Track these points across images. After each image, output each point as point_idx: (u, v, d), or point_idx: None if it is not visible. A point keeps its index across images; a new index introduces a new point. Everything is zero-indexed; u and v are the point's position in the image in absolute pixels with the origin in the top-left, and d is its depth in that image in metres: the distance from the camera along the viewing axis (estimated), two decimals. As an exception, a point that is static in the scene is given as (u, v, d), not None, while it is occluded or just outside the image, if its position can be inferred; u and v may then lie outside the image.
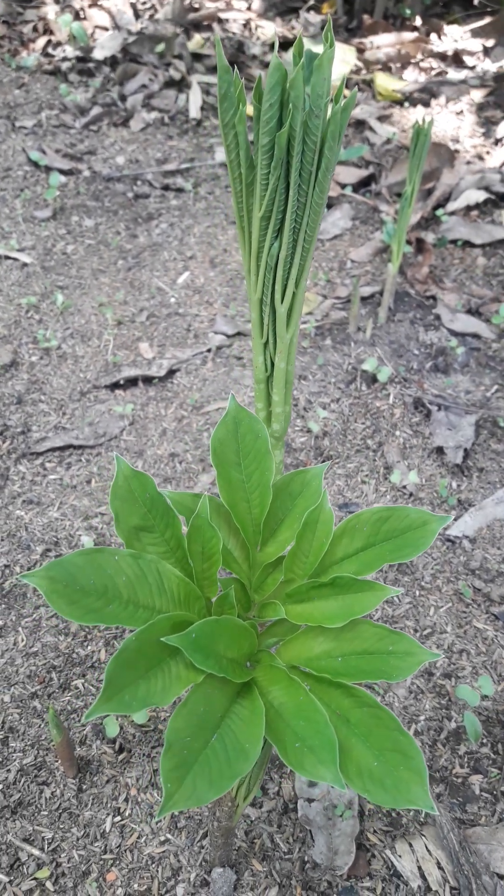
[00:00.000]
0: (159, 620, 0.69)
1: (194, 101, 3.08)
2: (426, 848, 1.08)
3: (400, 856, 1.07)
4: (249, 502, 0.80)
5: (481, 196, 2.59)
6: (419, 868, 1.06)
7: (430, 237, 2.42)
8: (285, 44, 3.46)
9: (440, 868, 1.06)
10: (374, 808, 1.12)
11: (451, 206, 2.56)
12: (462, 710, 1.24)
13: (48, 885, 1.01)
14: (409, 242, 2.38)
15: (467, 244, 2.44)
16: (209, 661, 0.69)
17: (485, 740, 1.20)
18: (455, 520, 1.57)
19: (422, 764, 0.67)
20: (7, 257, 2.25)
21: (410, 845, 1.09)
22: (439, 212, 2.51)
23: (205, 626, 0.69)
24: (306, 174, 0.71)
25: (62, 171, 2.63)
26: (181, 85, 3.21)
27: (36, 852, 1.04)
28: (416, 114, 3.10)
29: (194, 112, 3.04)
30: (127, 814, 1.09)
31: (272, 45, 3.45)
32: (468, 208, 2.60)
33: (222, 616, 0.73)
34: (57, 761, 1.13)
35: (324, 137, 0.70)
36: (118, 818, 1.09)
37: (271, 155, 0.71)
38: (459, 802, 1.13)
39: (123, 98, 3.09)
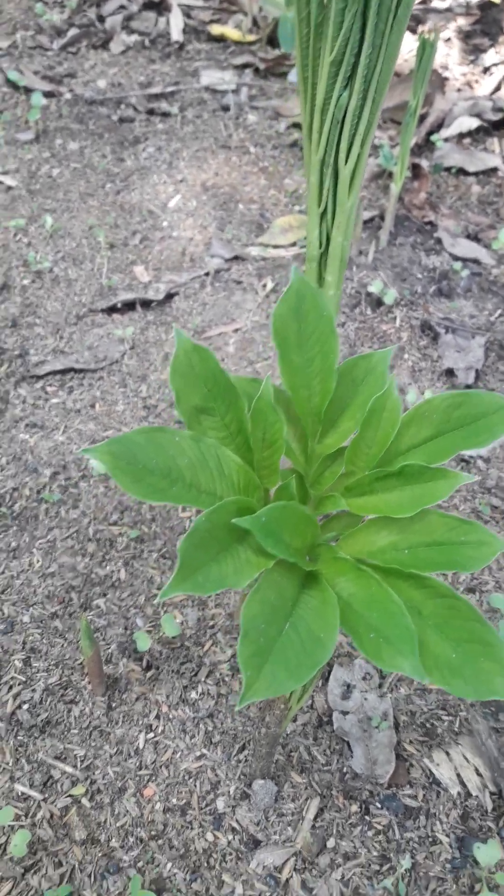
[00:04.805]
0: (226, 503, 0.65)
1: (175, 23, 2.94)
2: (463, 756, 1.07)
3: (438, 764, 1.06)
4: (310, 389, 0.75)
5: (474, 123, 2.52)
6: (458, 775, 1.05)
7: (424, 163, 2.35)
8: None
9: (478, 774, 1.05)
10: (408, 720, 1.11)
11: (445, 133, 2.50)
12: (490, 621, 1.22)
13: (84, 801, 0.98)
14: (406, 167, 2.31)
15: (461, 171, 2.38)
16: (279, 546, 0.65)
17: (514, 651, 1.19)
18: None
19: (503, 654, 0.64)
20: (-11, 181, 2.14)
21: (447, 754, 1.07)
22: (434, 137, 2.44)
23: (273, 510, 0.65)
24: (385, 11, 0.64)
25: (43, 94, 2.49)
26: (160, 7, 3.06)
27: (69, 769, 1.01)
28: (403, 40, 3.00)
29: (176, 35, 2.90)
30: (160, 730, 1.06)
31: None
32: (461, 135, 2.53)
33: (290, 502, 0.69)
34: (84, 679, 1.09)
35: (405, -29, 0.64)
36: (151, 735, 1.05)
37: (347, -9, 0.64)
38: (492, 711, 1.12)
39: (101, 19, 2.94)
